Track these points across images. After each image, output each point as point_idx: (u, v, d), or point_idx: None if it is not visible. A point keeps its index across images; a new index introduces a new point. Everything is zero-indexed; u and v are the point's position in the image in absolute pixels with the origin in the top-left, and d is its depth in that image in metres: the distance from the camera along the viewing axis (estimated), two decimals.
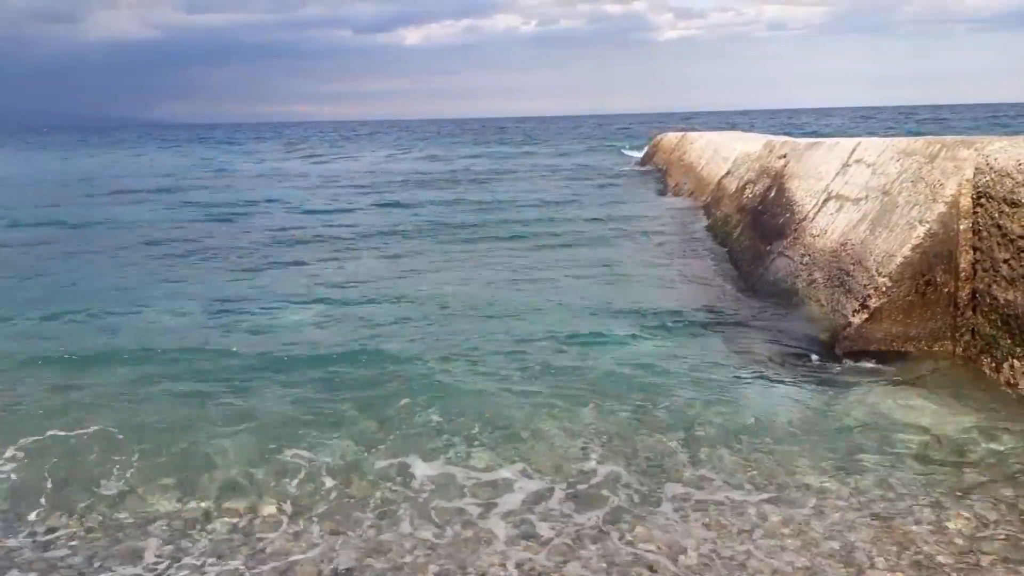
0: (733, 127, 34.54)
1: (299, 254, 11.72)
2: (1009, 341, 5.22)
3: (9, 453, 4.64)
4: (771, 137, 13.10)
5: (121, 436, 4.84)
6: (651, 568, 3.52)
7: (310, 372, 6.07)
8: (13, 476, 4.43)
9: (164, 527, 3.93)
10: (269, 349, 6.71)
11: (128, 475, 4.41)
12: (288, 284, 9.54)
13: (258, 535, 3.85)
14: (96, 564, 3.66)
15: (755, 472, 4.32)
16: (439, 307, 8.16)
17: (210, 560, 3.66)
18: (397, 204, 18.67)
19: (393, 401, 5.40)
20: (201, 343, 6.96)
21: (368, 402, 5.38)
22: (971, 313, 5.65)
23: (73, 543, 3.82)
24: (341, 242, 12.87)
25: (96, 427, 4.96)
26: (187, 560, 3.66)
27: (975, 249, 5.59)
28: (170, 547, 3.76)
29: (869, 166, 7.22)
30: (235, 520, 3.98)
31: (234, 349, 6.71)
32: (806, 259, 7.43)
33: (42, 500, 4.19)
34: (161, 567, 3.62)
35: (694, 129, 29.82)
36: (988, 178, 5.45)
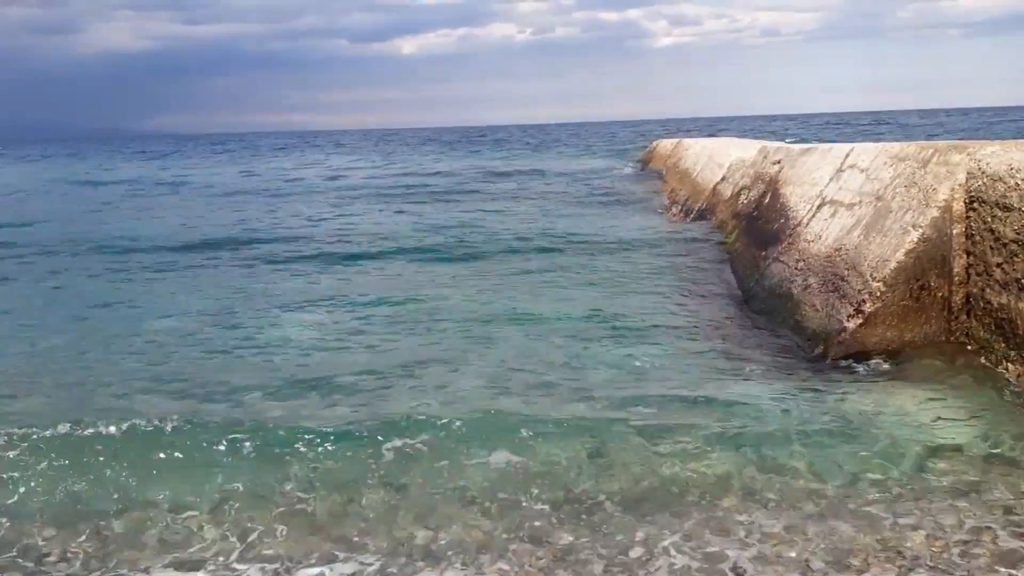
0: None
1: None
2: (1003, 344, 5.24)
3: None
4: (766, 143, 13.15)
5: None
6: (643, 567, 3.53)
7: None
8: None
9: None
10: None
11: None
12: None
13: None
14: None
15: (748, 475, 4.33)
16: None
17: None
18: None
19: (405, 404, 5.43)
20: None
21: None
22: (965, 317, 5.67)
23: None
24: None
25: None
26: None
27: (968, 253, 5.61)
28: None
29: (863, 171, 7.25)
30: None
31: None
32: (801, 264, 7.45)
33: None
34: None
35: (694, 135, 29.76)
36: (980, 182, 5.48)
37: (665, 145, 28.70)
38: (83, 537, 3.94)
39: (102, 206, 22.31)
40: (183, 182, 30.93)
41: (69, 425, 4.86)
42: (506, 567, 3.61)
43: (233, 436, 4.76)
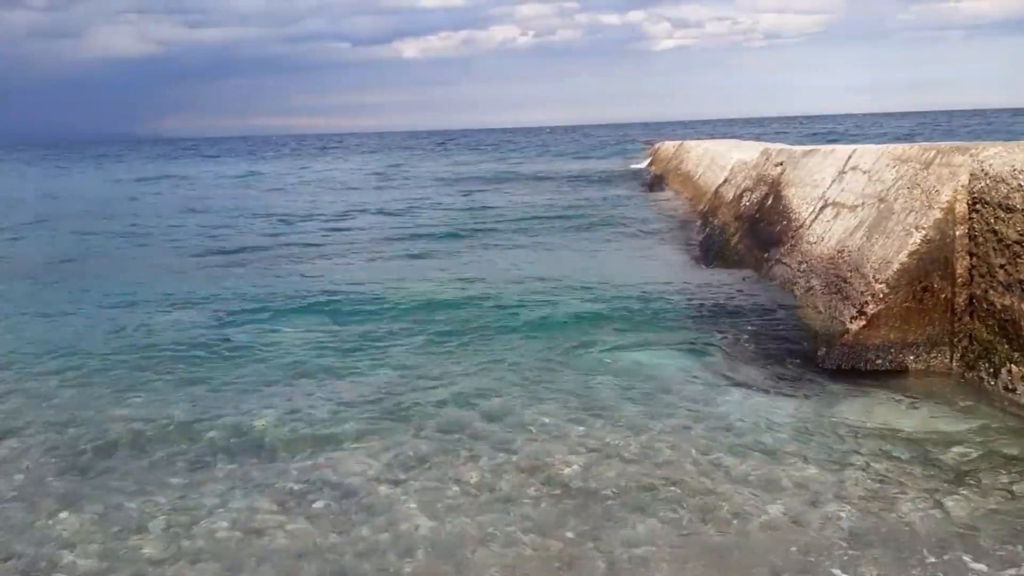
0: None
1: None
2: (1006, 346, 5.23)
3: None
4: (768, 145, 13.14)
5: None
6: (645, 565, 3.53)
7: None
8: None
9: None
10: None
11: None
12: None
13: None
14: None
15: (750, 476, 4.33)
16: None
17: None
18: None
19: (399, 400, 5.43)
20: None
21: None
22: (968, 319, 5.65)
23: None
24: None
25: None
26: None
27: (971, 255, 5.60)
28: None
29: (865, 173, 7.24)
30: None
31: None
32: (803, 266, 7.44)
33: None
34: None
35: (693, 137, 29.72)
36: (983, 184, 5.46)
37: (667, 147, 28.72)
38: None
39: None
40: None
41: None
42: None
43: None
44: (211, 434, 5.13)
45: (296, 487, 4.40)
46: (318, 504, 4.22)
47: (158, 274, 11.33)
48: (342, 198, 24.02)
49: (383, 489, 4.35)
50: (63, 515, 4.17)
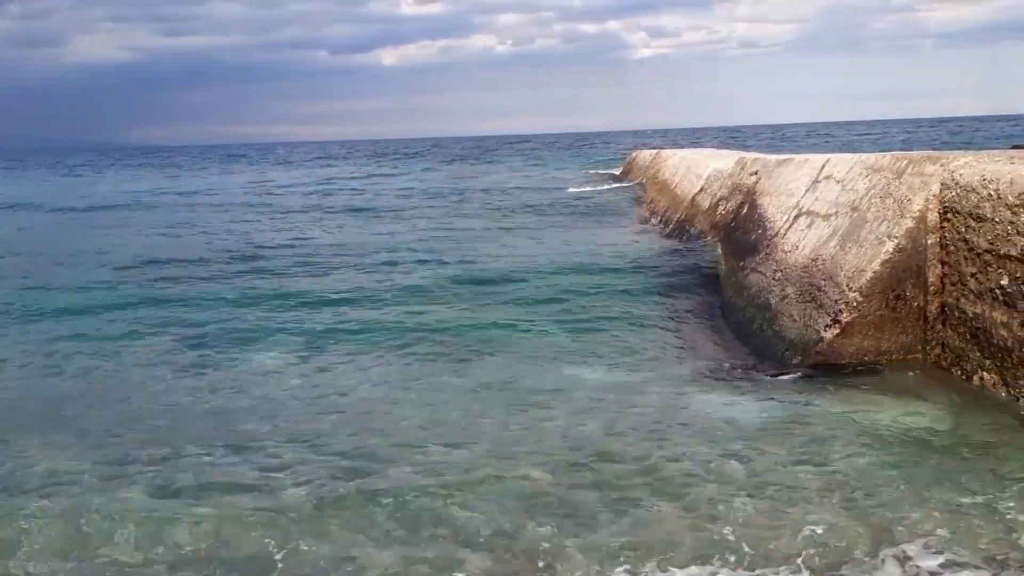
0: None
1: None
2: (978, 353, 5.28)
3: None
4: (743, 154, 13.23)
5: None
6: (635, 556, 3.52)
7: None
8: None
9: None
10: None
11: None
12: None
13: None
14: None
15: (726, 477, 4.38)
16: None
17: None
18: None
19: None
20: None
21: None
22: (941, 326, 5.70)
23: None
24: None
25: None
26: None
27: (943, 263, 5.65)
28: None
29: (838, 182, 7.29)
30: None
31: None
32: (778, 275, 7.48)
33: None
34: None
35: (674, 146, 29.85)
36: (954, 193, 5.52)
37: (644, 156, 28.85)
38: None
39: None
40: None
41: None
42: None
43: None
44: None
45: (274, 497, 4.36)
46: (295, 503, 4.19)
47: None
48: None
49: (359, 490, 4.36)
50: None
